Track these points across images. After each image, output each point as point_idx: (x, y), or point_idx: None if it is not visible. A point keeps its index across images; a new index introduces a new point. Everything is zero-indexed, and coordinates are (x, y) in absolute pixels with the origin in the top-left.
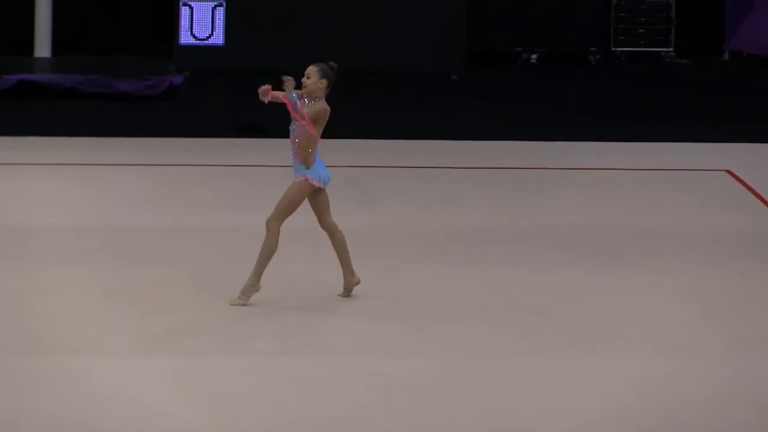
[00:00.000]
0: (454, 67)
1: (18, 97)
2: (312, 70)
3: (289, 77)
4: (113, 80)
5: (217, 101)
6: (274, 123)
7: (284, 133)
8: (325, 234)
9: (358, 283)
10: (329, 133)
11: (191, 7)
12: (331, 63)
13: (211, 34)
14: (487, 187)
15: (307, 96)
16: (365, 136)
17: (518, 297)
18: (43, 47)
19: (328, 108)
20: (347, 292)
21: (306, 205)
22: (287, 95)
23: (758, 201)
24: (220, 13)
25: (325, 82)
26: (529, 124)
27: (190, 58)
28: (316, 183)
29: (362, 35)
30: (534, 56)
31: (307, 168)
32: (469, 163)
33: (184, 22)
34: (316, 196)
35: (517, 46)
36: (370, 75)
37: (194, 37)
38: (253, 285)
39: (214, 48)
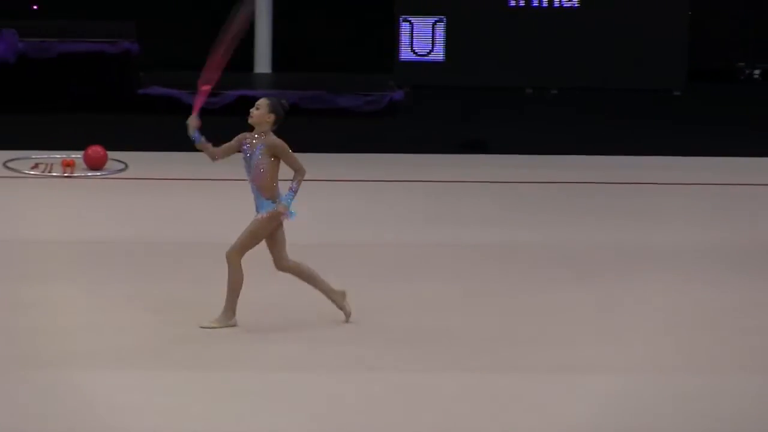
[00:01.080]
0: (675, 83)
1: (238, 112)
2: (262, 102)
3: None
4: (334, 96)
5: (437, 117)
6: (495, 139)
7: (505, 149)
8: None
9: (344, 296)
10: (555, 149)
11: (411, 23)
12: (283, 100)
13: (431, 50)
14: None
15: (256, 127)
16: (586, 152)
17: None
18: (263, 64)
19: (282, 142)
20: (346, 314)
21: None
22: (283, 206)
23: None
24: (441, 28)
25: (272, 117)
26: (752, 139)
27: (410, 74)
28: (283, 216)
29: (582, 52)
30: (757, 71)
31: (274, 201)
32: (695, 179)
33: (404, 38)
34: (275, 234)
35: (739, 61)
36: (591, 92)
37: (414, 52)
38: (228, 318)
39: (434, 64)
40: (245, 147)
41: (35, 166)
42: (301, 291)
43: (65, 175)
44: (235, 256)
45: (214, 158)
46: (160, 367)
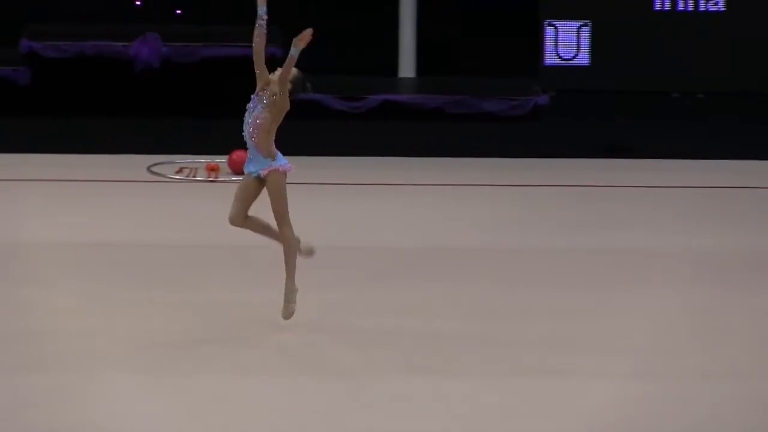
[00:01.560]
0: None
1: (382, 117)
2: (294, 70)
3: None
4: (479, 100)
5: (582, 121)
6: (642, 143)
7: (653, 153)
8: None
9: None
10: (704, 153)
11: (556, 28)
12: (308, 84)
13: (576, 54)
14: None
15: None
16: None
17: None
18: (407, 68)
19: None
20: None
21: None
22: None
23: None
24: (586, 33)
25: (290, 86)
26: None
27: (555, 78)
28: (287, 168)
29: (728, 56)
30: None
31: (273, 160)
32: None
33: (548, 43)
34: (256, 187)
35: None
36: (739, 96)
37: (559, 57)
38: (291, 289)
39: (579, 68)
40: (253, 96)
41: (179, 171)
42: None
43: (209, 179)
44: (284, 230)
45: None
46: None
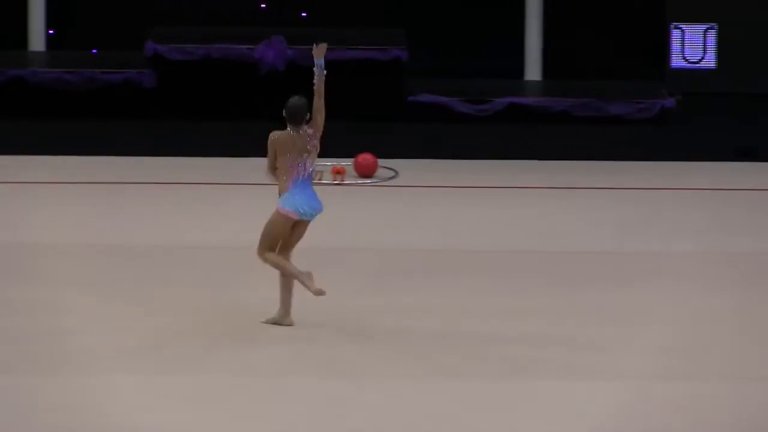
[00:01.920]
0: None
1: (508, 120)
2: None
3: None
4: (605, 103)
5: (710, 124)
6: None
7: None
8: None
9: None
10: None
11: (682, 30)
12: (297, 99)
13: (703, 57)
14: None
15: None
16: None
17: None
18: (533, 71)
19: (289, 138)
20: (272, 320)
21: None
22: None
23: None
24: (712, 35)
25: (284, 115)
26: None
27: (682, 81)
28: (285, 212)
29: None
30: None
31: (279, 195)
32: None
33: (675, 45)
34: (294, 229)
35: None
36: None
37: (685, 59)
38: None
39: (705, 71)
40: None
41: None
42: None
43: (336, 182)
44: (260, 251)
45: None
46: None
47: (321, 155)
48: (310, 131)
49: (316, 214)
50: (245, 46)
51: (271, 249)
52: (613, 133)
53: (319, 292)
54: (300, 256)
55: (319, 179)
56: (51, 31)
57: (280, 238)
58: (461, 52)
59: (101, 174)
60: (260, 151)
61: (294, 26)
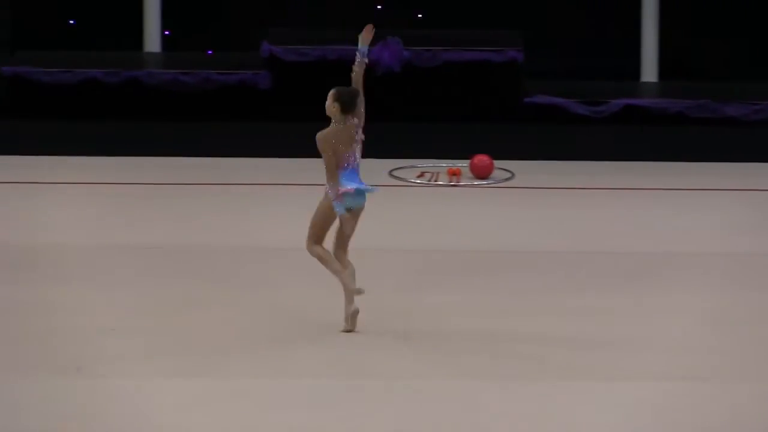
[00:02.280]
0: None
1: (624, 121)
2: (330, 92)
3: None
4: (720, 105)
5: None
6: None
7: None
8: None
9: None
10: None
11: None
12: (351, 88)
13: None
14: None
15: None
16: None
17: None
18: (649, 72)
19: (342, 129)
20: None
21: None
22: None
23: None
24: None
25: (337, 106)
26: None
27: None
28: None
29: None
30: None
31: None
32: None
33: None
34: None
35: None
36: None
37: None
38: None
39: None
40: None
41: (421, 175)
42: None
43: (451, 183)
44: (307, 243)
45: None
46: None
47: (437, 156)
48: (355, 121)
49: (364, 203)
50: None
51: (319, 240)
52: (729, 134)
53: (358, 292)
54: (412, 257)
55: (435, 180)
56: (167, 32)
57: (328, 226)
58: (577, 53)
59: (217, 176)
60: (377, 152)
61: (410, 27)
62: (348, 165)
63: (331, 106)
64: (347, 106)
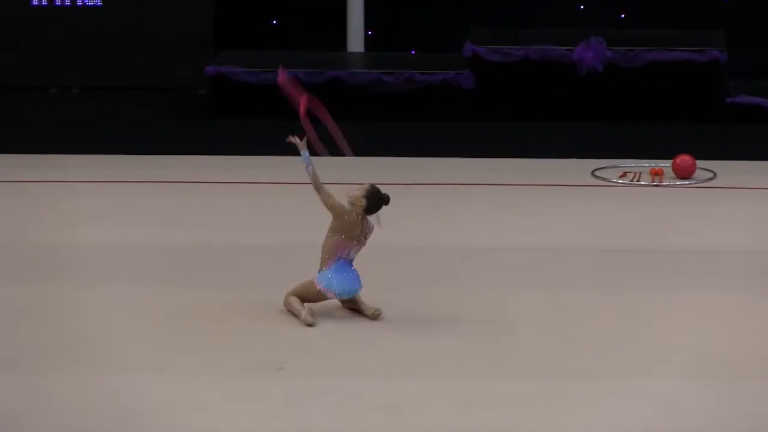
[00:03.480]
0: None
1: None
2: (363, 186)
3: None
4: None
5: None
6: None
7: None
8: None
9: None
10: None
11: None
12: (385, 194)
13: None
14: None
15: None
16: None
17: None
18: None
19: (358, 222)
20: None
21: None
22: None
23: None
24: None
25: (364, 203)
26: None
27: None
28: (320, 288)
29: None
30: None
31: (319, 271)
32: None
33: None
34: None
35: None
36: None
37: None
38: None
39: None
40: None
41: (623, 175)
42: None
43: (653, 183)
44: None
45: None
46: None
47: (639, 156)
48: (367, 225)
49: (352, 296)
50: (563, 48)
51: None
52: None
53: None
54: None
55: (637, 180)
56: (369, 32)
57: (312, 302)
58: None
59: (418, 175)
60: (579, 151)
61: (612, 27)
62: (341, 256)
63: (359, 198)
64: (370, 210)
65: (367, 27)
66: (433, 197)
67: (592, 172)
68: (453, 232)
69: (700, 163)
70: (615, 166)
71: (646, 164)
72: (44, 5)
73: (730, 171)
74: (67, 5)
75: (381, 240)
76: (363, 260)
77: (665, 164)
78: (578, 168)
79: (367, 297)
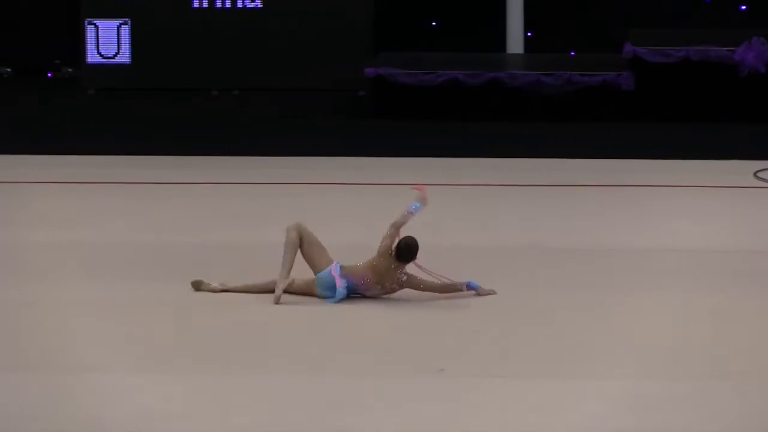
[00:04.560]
0: None
1: None
2: (404, 238)
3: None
4: None
5: None
6: None
7: None
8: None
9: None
10: None
11: None
12: (415, 247)
13: None
14: None
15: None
16: None
17: None
18: None
19: (391, 272)
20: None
21: None
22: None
23: None
24: None
25: (395, 252)
26: None
27: None
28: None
29: None
30: None
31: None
32: None
33: None
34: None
35: None
36: None
37: None
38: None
39: None
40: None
41: None
42: None
43: None
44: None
45: None
46: None
47: None
48: (404, 278)
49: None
50: (724, 49)
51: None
52: None
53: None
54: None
55: None
56: (529, 34)
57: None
58: None
59: (577, 177)
60: (742, 153)
61: None
62: (357, 282)
63: (391, 246)
64: (402, 259)
65: (526, 28)
66: (596, 198)
67: (755, 174)
68: (616, 234)
69: None
70: None
71: None
72: (204, 7)
73: None
74: (227, 7)
75: (542, 241)
76: (542, 262)
77: None
78: (740, 169)
79: (526, 295)
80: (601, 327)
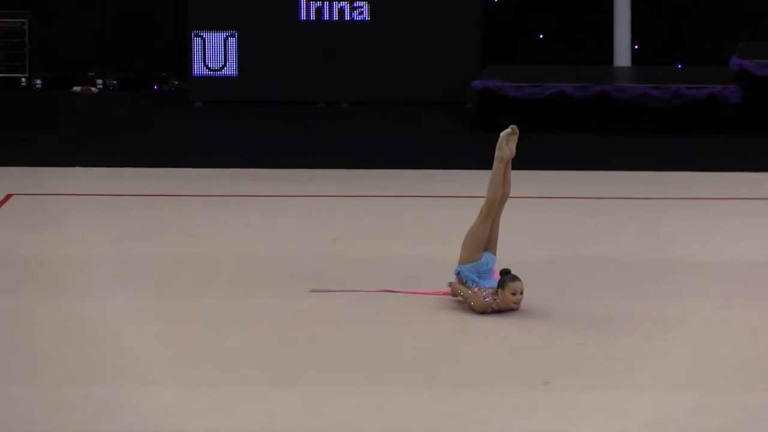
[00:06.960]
0: None
1: None
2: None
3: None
4: None
5: None
6: None
7: None
8: None
9: None
10: None
11: None
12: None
13: None
14: None
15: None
16: None
17: None
18: None
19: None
20: None
21: None
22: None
23: None
24: None
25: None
26: None
27: None
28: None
29: None
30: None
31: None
32: None
33: None
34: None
35: None
36: None
37: None
38: None
39: None
40: None
41: None
42: None
43: None
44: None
45: None
46: None
47: None
48: (494, 304)
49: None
50: None
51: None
52: None
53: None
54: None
55: None
56: (635, 46)
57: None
58: None
59: (684, 190)
60: None
61: None
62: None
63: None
64: (501, 284)
65: (633, 41)
66: (701, 211)
67: None
68: (725, 246)
69: None
70: None
71: None
72: (312, 20)
73: None
74: (335, 20)
75: (630, 251)
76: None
77: None
78: None
79: (634, 308)
80: (714, 339)
